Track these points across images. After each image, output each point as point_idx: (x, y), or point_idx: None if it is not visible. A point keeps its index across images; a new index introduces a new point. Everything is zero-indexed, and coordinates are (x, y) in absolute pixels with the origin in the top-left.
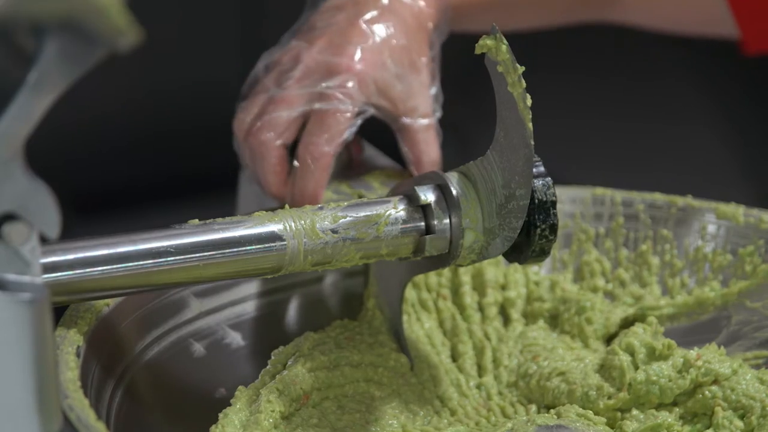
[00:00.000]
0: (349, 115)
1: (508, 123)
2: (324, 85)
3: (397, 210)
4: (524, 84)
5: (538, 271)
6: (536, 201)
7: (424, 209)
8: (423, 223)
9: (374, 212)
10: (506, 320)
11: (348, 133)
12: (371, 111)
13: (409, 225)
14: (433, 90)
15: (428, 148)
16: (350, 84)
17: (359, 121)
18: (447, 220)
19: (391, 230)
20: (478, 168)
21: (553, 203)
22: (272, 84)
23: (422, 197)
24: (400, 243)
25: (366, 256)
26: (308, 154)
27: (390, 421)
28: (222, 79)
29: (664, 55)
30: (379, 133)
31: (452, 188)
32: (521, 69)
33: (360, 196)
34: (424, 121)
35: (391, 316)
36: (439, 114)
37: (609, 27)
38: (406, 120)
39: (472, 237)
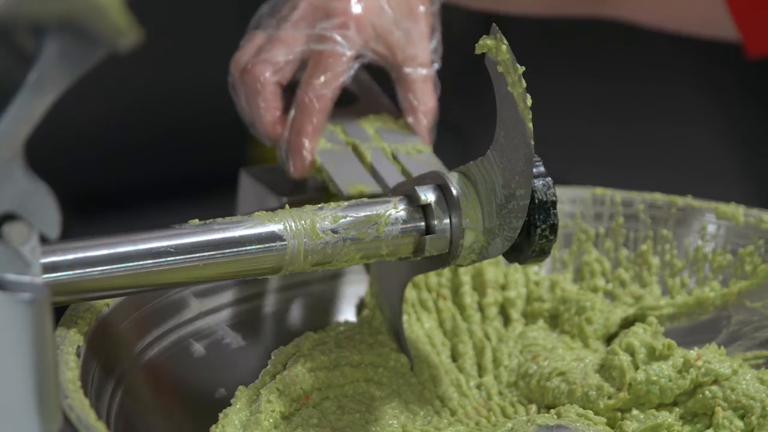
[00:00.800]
0: (347, 57)
1: (508, 123)
2: (321, 26)
3: (397, 210)
4: (524, 84)
5: (538, 271)
6: (536, 201)
7: (424, 209)
8: (423, 223)
9: (374, 212)
10: (506, 320)
11: (346, 77)
12: (369, 56)
13: (409, 225)
14: (433, 43)
15: (425, 98)
16: (348, 27)
17: (356, 65)
18: (447, 220)
19: (391, 230)
20: (478, 168)
21: (554, 203)
22: (271, 28)
23: (422, 197)
24: (400, 243)
25: (366, 256)
26: (306, 96)
27: (390, 421)
28: (222, 79)
29: (664, 56)
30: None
31: (452, 188)
32: (521, 69)
33: (354, 147)
34: (423, 71)
35: (391, 316)
36: (437, 65)
37: (608, 27)
38: (405, 69)
39: (472, 237)
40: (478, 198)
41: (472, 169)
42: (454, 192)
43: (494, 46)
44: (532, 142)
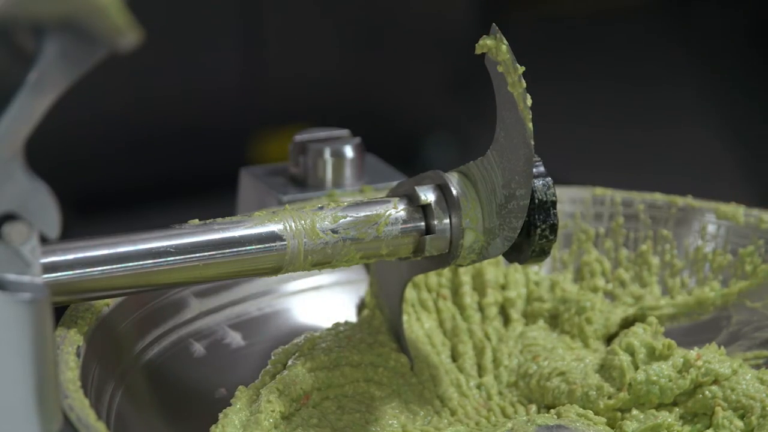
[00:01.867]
0: None
1: (508, 123)
2: None
3: (397, 210)
4: (524, 84)
5: (538, 271)
6: (536, 201)
7: (424, 209)
8: (423, 223)
9: (374, 212)
10: (506, 320)
11: None
12: None
13: (409, 225)
14: None
15: None
16: None
17: None
18: (447, 221)
19: (391, 230)
20: (478, 168)
21: (553, 203)
22: None
23: (422, 197)
24: (400, 243)
25: (366, 256)
26: None
27: (390, 421)
28: (222, 80)
29: (664, 57)
30: (382, 139)
31: (452, 188)
32: (521, 69)
33: None
34: None
35: (391, 316)
36: None
37: (609, 27)
38: None
39: (472, 237)
40: (478, 198)
41: (472, 169)
42: (454, 192)
43: (494, 46)
44: (532, 142)
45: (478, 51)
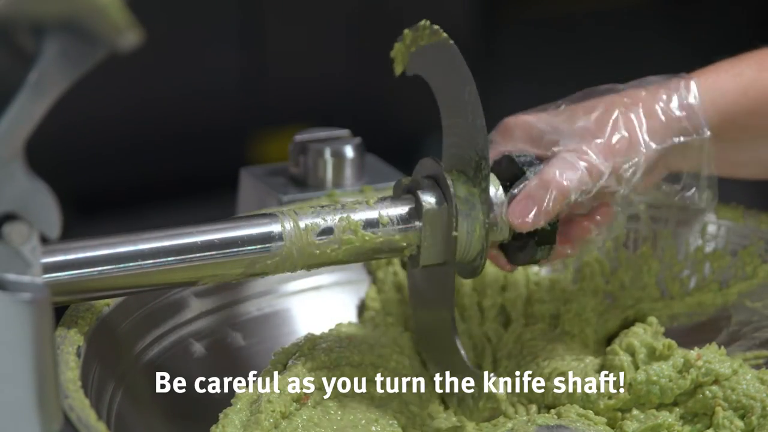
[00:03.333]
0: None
1: (451, 103)
2: None
3: (396, 209)
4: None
5: (538, 272)
6: None
7: (423, 207)
8: (420, 223)
9: (373, 212)
10: (506, 321)
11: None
12: None
13: (408, 224)
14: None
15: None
16: None
17: None
18: (445, 217)
19: (389, 230)
20: (455, 157)
21: None
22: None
23: (420, 195)
24: (398, 242)
25: (366, 255)
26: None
27: (390, 421)
28: (222, 80)
29: (664, 57)
30: (382, 140)
31: (448, 182)
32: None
33: None
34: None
35: (427, 327)
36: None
37: (609, 27)
38: None
39: (471, 226)
40: (471, 184)
41: (453, 160)
42: (450, 188)
43: (403, 49)
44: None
45: (393, 55)
